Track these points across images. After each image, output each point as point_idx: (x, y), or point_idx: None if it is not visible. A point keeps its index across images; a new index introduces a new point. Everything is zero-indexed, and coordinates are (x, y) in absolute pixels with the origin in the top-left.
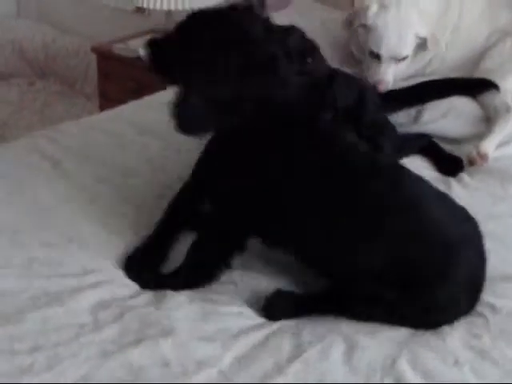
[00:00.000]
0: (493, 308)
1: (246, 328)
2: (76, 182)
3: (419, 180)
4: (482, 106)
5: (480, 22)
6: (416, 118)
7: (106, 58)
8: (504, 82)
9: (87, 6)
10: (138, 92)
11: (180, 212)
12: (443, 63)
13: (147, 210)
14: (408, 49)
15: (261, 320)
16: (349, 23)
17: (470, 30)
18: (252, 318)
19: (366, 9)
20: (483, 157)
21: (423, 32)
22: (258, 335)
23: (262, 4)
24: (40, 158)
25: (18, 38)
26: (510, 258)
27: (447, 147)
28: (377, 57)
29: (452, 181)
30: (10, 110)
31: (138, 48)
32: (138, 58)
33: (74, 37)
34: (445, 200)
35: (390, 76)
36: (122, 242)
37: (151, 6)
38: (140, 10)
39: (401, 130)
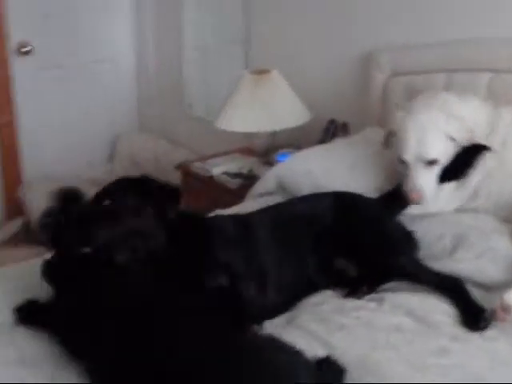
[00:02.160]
0: None
1: None
2: None
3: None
4: None
5: None
6: (452, 253)
7: (188, 175)
8: None
9: (195, 123)
10: (212, 209)
11: None
12: (489, 197)
13: None
14: (434, 151)
15: None
16: (385, 139)
17: None
18: None
19: (393, 117)
20: (506, 309)
21: (452, 132)
22: None
23: None
24: None
25: (135, 151)
26: None
27: (475, 292)
28: (405, 163)
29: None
30: None
31: (212, 168)
32: (211, 176)
33: (184, 150)
34: None
35: (423, 183)
36: None
37: (254, 130)
38: None
39: (435, 264)
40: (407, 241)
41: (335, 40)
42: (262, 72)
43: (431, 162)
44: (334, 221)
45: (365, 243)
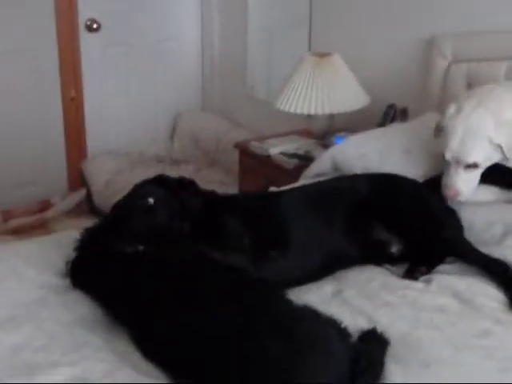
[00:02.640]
0: None
1: None
2: None
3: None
4: None
5: None
6: (501, 240)
7: (245, 154)
8: None
9: (257, 104)
10: (267, 187)
11: None
12: None
13: None
14: (475, 155)
15: None
16: (436, 129)
17: None
18: None
19: (446, 111)
20: None
21: (499, 139)
22: None
23: None
24: None
25: (196, 130)
26: None
27: None
28: (447, 161)
29: None
30: None
31: (270, 148)
32: (268, 156)
33: (244, 130)
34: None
35: (460, 184)
36: None
37: (312, 112)
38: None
39: (482, 249)
40: (453, 218)
41: (397, 25)
42: (323, 55)
43: (471, 166)
44: (371, 194)
45: (409, 216)
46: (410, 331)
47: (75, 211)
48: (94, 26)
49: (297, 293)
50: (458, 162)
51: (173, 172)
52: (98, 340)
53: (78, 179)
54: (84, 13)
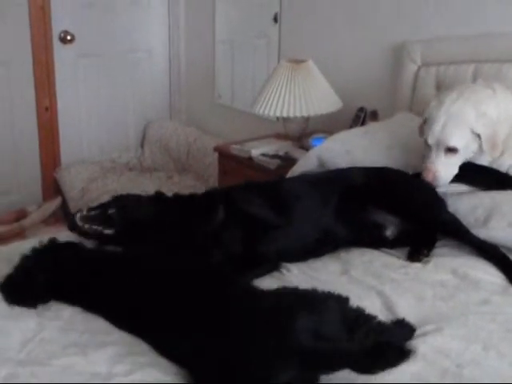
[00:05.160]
0: None
1: None
2: None
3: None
4: None
5: None
6: (485, 222)
7: (225, 157)
8: None
9: (225, 111)
10: None
11: None
12: None
13: None
14: (456, 140)
15: None
16: (420, 127)
17: None
18: None
19: (427, 105)
20: None
21: (479, 129)
22: None
23: None
24: None
25: (166, 138)
26: None
27: None
28: (429, 146)
29: None
30: None
31: (251, 149)
32: (250, 158)
33: (214, 138)
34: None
35: (440, 168)
36: None
37: (291, 115)
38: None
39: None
40: (445, 204)
41: (367, 31)
42: (298, 61)
43: (451, 150)
44: (366, 180)
45: (406, 199)
46: (417, 303)
47: (52, 219)
48: (68, 37)
49: (309, 272)
50: (439, 145)
51: (145, 179)
52: None
53: (52, 188)
54: (58, 25)
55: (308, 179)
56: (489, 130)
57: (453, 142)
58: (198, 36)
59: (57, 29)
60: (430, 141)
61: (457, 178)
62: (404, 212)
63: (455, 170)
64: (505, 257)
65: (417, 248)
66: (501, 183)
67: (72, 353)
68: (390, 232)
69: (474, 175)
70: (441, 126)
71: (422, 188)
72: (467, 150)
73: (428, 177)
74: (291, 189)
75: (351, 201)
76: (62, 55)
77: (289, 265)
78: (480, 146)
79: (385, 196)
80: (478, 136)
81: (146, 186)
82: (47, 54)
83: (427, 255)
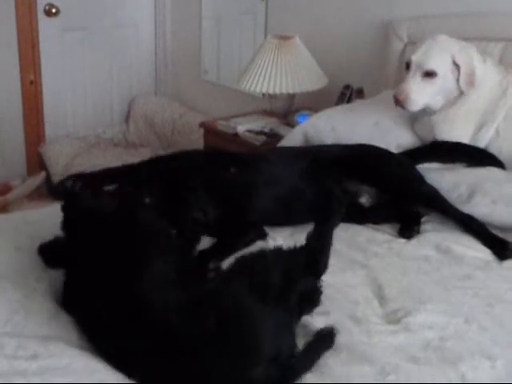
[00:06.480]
0: None
1: None
2: None
3: None
4: None
5: None
6: (468, 199)
7: (211, 133)
8: None
9: (211, 87)
10: None
11: None
12: (500, 155)
13: None
14: (436, 63)
15: None
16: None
17: None
18: None
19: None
20: None
21: (460, 60)
22: None
23: None
24: None
25: (151, 113)
26: None
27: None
28: (408, 69)
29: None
30: None
31: (237, 125)
32: (236, 134)
33: (200, 114)
34: None
35: (414, 90)
36: None
37: (277, 92)
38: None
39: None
40: (423, 178)
41: (354, 8)
42: (285, 38)
43: (429, 74)
44: (345, 153)
45: (385, 172)
46: (401, 277)
47: (35, 194)
48: (53, 10)
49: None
50: (418, 67)
51: (130, 155)
52: None
53: (36, 163)
54: None
55: (283, 150)
56: (469, 66)
57: (432, 65)
58: (185, 12)
59: (41, 1)
60: (412, 59)
61: (431, 158)
62: (382, 184)
63: (427, 99)
64: (488, 230)
65: (407, 225)
66: (478, 160)
67: None
68: (364, 200)
69: (449, 153)
70: (423, 50)
71: (402, 163)
72: (444, 81)
73: (400, 96)
74: (263, 154)
75: (323, 169)
76: (46, 28)
77: (274, 234)
78: (457, 81)
79: (361, 168)
80: (458, 69)
81: (130, 162)
82: (32, 27)
83: (418, 231)
